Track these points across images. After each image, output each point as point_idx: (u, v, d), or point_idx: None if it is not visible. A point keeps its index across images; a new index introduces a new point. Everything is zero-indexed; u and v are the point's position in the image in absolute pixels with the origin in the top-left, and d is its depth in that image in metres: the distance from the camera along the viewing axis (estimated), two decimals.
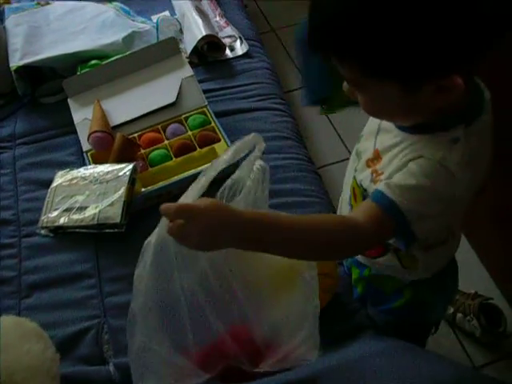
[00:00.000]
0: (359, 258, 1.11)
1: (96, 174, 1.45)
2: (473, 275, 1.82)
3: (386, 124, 0.93)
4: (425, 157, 0.81)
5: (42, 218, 1.45)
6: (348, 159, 1.09)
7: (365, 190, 0.95)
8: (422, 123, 0.84)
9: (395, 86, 0.76)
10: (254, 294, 0.87)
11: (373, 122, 0.98)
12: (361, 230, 0.80)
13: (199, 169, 1.45)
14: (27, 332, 1.06)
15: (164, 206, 0.74)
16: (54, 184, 1.50)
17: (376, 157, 0.93)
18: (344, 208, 1.09)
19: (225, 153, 0.82)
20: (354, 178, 1.00)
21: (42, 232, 1.44)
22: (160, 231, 0.79)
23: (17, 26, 1.91)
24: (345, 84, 0.84)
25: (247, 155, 0.85)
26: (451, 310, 1.73)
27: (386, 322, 1.20)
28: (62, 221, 1.41)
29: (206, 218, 0.72)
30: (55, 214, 1.43)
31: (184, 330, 0.86)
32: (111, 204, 1.38)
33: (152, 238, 0.81)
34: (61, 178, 1.50)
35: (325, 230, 0.80)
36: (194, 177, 1.44)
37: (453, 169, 0.80)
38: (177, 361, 0.88)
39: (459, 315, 1.73)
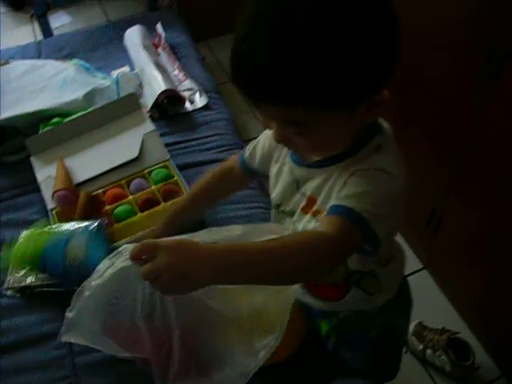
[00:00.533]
0: (325, 307, 1.13)
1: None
2: (438, 310, 1.89)
3: (300, 175, 0.97)
4: (359, 170, 0.86)
5: (8, 278, 1.44)
6: None
7: None
8: (341, 153, 0.90)
9: (342, 113, 0.80)
10: (205, 328, 0.90)
11: (282, 187, 1.02)
12: (329, 237, 0.80)
13: None
14: None
15: (130, 250, 0.75)
16: None
17: (310, 201, 0.96)
18: None
19: (242, 230, 0.86)
20: (293, 229, 1.01)
21: (8, 293, 1.43)
22: None
23: None
24: (277, 137, 0.86)
25: None
26: (420, 346, 1.78)
27: (363, 360, 1.24)
28: (28, 280, 1.41)
29: (171, 249, 0.72)
30: (21, 273, 1.43)
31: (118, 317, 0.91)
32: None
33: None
34: None
35: (298, 244, 0.80)
36: None
37: (389, 169, 0.86)
38: (102, 337, 0.93)
39: (429, 351, 1.77)
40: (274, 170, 1.06)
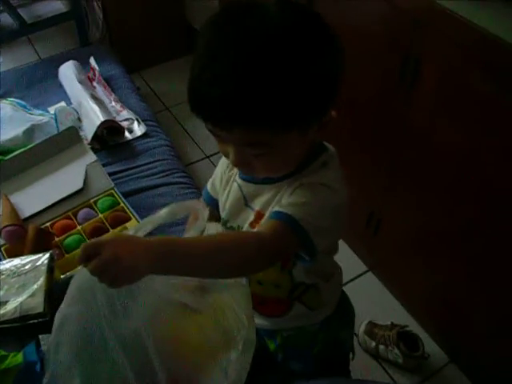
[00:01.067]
0: (269, 325, 1.18)
1: (13, 267, 1.46)
2: (386, 307, 1.98)
3: (247, 191, 1.02)
4: (305, 183, 0.92)
5: None
6: None
7: None
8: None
9: (295, 133, 0.86)
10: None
11: (230, 204, 1.06)
12: (264, 237, 0.86)
13: None
14: None
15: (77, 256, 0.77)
16: None
17: (258, 216, 1.00)
18: None
19: (162, 210, 0.89)
20: None
21: None
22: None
23: None
24: (235, 160, 0.89)
25: None
26: (373, 343, 1.86)
27: (312, 371, 1.28)
28: None
29: (112, 243, 0.74)
30: None
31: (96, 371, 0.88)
32: (32, 295, 1.39)
33: (76, 276, 0.84)
34: None
35: (231, 241, 0.85)
36: None
37: (332, 185, 0.92)
38: None
39: (381, 347, 1.85)
40: (225, 191, 1.09)
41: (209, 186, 1.19)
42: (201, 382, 0.91)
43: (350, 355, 1.37)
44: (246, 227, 1.03)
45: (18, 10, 3.04)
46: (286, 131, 0.85)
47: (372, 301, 1.97)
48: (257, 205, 1.01)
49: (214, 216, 1.17)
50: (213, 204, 1.17)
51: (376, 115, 1.72)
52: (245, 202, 1.03)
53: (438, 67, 1.41)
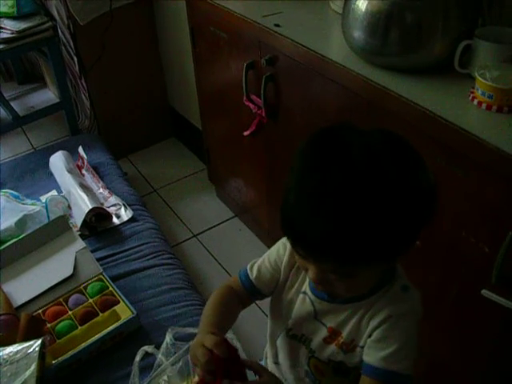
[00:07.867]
0: None
1: (5, 356, 1.51)
2: None
3: (320, 307, 1.01)
4: (393, 315, 0.92)
5: None
6: None
7: (340, 362, 1.01)
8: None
9: (383, 264, 0.89)
10: None
11: (298, 314, 1.05)
12: None
13: (104, 332, 1.59)
14: None
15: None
16: None
17: (333, 333, 1.00)
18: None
19: None
20: (314, 357, 1.05)
21: None
22: None
23: None
24: (316, 279, 0.90)
25: None
26: None
27: None
28: None
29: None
30: None
31: None
32: (24, 382, 1.45)
33: None
34: None
35: None
36: (101, 341, 1.58)
37: (419, 310, 0.95)
38: None
39: None
40: (288, 296, 1.07)
41: (254, 272, 1.11)
42: None
43: None
44: (319, 342, 1.03)
45: (11, 103, 3.22)
46: (375, 265, 0.87)
47: None
48: (330, 322, 1.01)
49: (243, 302, 1.13)
50: (249, 289, 1.12)
51: None
52: (315, 315, 1.02)
53: None
